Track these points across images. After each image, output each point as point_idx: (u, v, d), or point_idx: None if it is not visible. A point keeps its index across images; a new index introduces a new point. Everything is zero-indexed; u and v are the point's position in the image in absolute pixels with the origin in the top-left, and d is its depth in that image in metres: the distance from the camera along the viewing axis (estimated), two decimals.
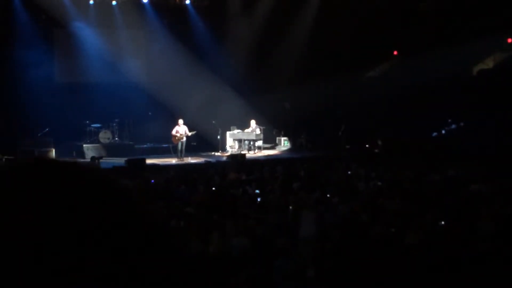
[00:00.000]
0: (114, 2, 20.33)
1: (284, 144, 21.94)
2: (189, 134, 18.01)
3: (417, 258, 7.18)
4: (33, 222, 0.73)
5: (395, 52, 23.32)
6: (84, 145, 18.63)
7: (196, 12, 21.55)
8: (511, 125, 17.94)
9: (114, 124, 19.61)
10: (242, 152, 19.01)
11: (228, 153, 19.39)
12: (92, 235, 0.75)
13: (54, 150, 17.69)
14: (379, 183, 12.53)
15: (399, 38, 21.51)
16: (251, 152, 19.67)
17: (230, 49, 21.41)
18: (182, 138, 17.88)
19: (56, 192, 0.76)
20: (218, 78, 20.65)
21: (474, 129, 19.15)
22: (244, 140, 19.97)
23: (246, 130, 19.95)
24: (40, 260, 0.71)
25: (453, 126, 21.11)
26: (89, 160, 16.88)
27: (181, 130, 17.91)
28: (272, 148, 21.56)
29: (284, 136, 22.13)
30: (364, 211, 9.50)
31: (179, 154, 17.88)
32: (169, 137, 18.19)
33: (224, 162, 17.91)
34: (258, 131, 19.85)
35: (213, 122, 19.50)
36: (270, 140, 21.50)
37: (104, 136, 19.24)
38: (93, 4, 20.04)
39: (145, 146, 20.17)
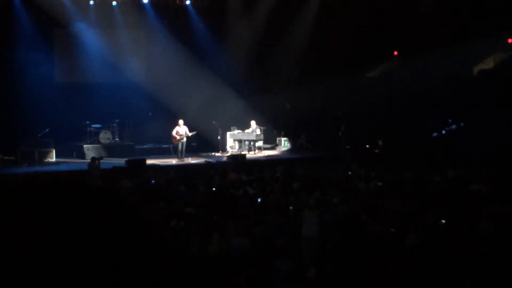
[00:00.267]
0: (114, 3, 20.33)
1: (284, 144, 21.94)
2: (189, 134, 18.01)
3: (417, 258, 7.19)
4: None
5: (395, 52, 23.32)
6: (84, 146, 18.63)
7: (196, 12, 21.55)
8: (511, 125, 17.93)
9: (115, 125, 19.61)
10: (242, 153, 19.01)
11: (228, 154, 19.39)
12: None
13: (54, 151, 17.70)
14: (379, 183, 12.54)
15: (399, 38, 21.51)
16: (251, 152, 19.67)
17: (230, 49, 21.41)
18: (183, 139, 17.89)
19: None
20: (218, 78, 20.65)
21: (474, 129, 19.14)
22: (244, 140, 19.97)
23: (246, 131, 19.95)
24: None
25: (453, 126, 21.11)
26: (89, 160, 16.89)
27: (181, 130, 17.92)
28: (272, 148, 21.56)
29: (284, 136, 22.13)
30: (364, 211, 9.51)
31: (179, 154, 17.89)
32: (169, 138, 18.19)
33: (225, 162, 17.91)
34: (258, 132, 19.85)
35: (213, 122, 19.51)
36: (270, 140, 21.50)
37: (105, 136, 19.25)
38: (93, 4, 20.03)
39: (145, 146, 20.17)
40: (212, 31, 21.55)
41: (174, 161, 17.70)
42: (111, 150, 18.84)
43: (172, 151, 18.40)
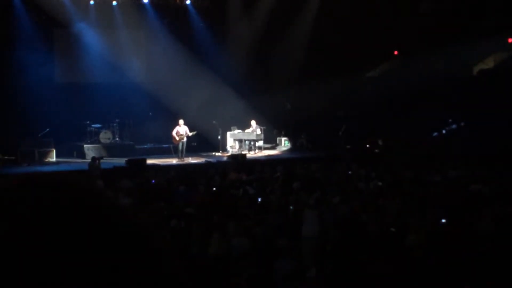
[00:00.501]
0: (114, 3, 20.34)
1: (284, 144, 21.95)
2: (190, 134, 18.02)
3: (417, 258, 7.19)
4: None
5: (395, 52, 23.33)
6: (84, 146, 18.64)
7: (197, 12, 21.56)
8: (511, 125, 17.93)
9: (115, 124, 19.62)
10: (243, 152, 19.02)
11: (229, 153, 19.40)
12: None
13: (54, 151, 17.71)
14: (379, 183, 12.54)
15: (399, 38, 21.51)
16: (252, 152, 19.68)
17: (230, 49, 21.42)
18: (183, 139, 17.90)
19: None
20: (218, 78, 20.65)
21: (474, 129, 19.14)
22: (244, 140, 19.98)
23: (246, 130, 19.96)
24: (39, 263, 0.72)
25: (453, 126, 21.10)
26: (89, 160, 16.90)
27: (181, 130, 17.92)
28: (273, 148, 21.57)
29: (284, 136, 22.13)
30: (364, 211, 9.51)
31: (179, 154, 17.89)
32: (170, 137, 18.19)
33: (225, 162, 17.92)
34: (258, 131, 19.86)
35: (214, 122, 19.52)
36: (270, 140, 21.51)
37: (105, 136, 19.25)
38: (94, 4, 20.05)
39: (145, 146, 20.18)
40: (212, 31, 21.56)
41: (174, 161, 17.71)
42: (111, 150, 18.85)
43: (173, 151, 18.40)
